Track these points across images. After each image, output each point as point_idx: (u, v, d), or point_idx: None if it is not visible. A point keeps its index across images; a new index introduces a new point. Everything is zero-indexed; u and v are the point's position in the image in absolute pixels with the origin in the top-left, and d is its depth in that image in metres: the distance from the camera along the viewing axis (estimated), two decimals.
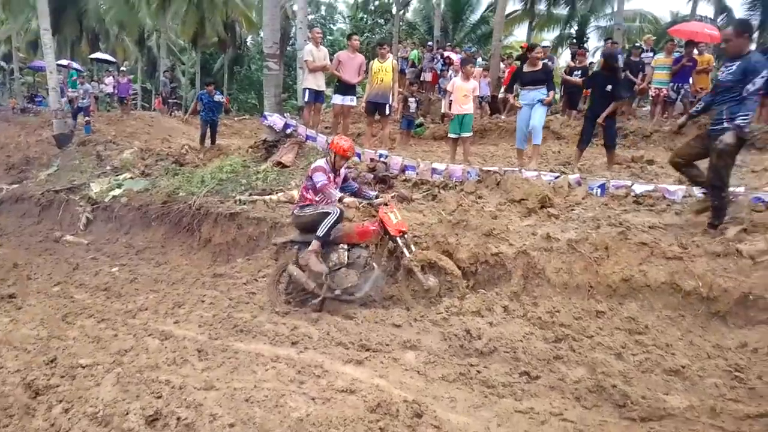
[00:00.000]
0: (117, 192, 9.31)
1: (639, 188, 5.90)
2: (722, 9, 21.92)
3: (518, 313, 4.69)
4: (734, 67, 4.64)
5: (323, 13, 32.67)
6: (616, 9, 18.50)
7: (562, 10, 25.10)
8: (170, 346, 4.33)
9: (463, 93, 7.79)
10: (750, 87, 4.53)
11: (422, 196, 7.04)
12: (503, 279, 5.24)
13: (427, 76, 16.70)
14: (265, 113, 8.75)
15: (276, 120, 8.57)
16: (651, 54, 12.12)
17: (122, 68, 20.84)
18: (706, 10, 22.23)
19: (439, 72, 15.61)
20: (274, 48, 8.68)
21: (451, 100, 7.96)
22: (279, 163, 8.19)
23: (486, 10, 27.08)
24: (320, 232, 5.02)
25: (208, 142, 11.99)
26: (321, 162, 5.30)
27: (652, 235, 5.01)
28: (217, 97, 11.84)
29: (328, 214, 5.04)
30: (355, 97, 9.25)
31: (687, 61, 10.73)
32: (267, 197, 7.36)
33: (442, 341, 4.35)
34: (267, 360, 4.03)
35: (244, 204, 7.39)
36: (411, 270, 5.06)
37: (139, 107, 26.24)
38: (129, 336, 4.59)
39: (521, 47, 17.30)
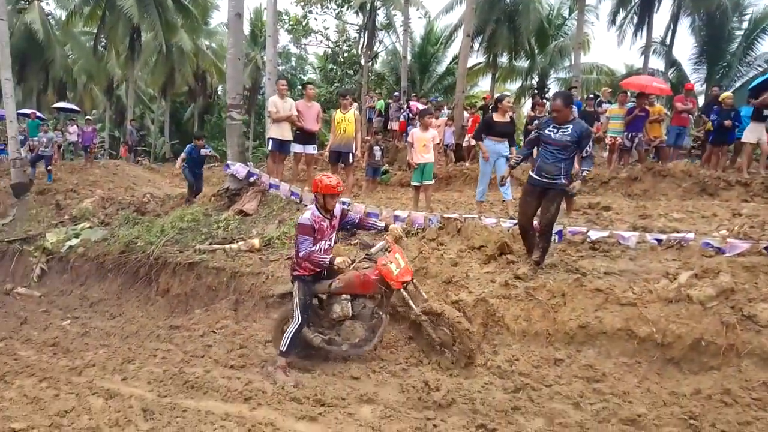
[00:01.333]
0: (74, 242, 9.03)
1: (594, 234, 6.01)
2: (672, 63, 23.20)
3: (478, 361, 4.65)
4: (569, 130, 5.18)
5: (294, 64, 33.33)
6: (573, 62, 19.46)
7: (523, 63, 26.17)
8: (115, 406, 4.11)
9: (423, 143, 7.93)
10: (588, 148, 5.27)
11: None
12: None
13: (395, 125, 17.08)
14: (228, 162, 8.73)
15: (239, 168, 8.55)
16: (608, 105, 12.66)
17: (89, 117, 20.72)
18: (658, 63, 23.50)
19: (406, 121, 15.96)
20: (237, 99, 8.75)
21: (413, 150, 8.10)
22: (241, 212, 8.12)
23: (451, 62, 28.06)
24: (282, 346, 4.68)
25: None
26: (306, 217, 4.67)
27: (607, 281, 5.07)
28: (204, 152, 11.14)
29: (293, 316, 4.71)
30: (315, 146, 9.35)
31: (639, 112, 11.18)
32: (227, 246, 7.24)
33: (400, 393, 4.25)
34: (216, 418, 3.86)
35: (204, 253, 7.25)
36: (420, 325, 4.77)
37: (106, 155, 25.96)
38: (71, 395, 4.35)
39: (483, 98, 17.88)
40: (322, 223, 4.70)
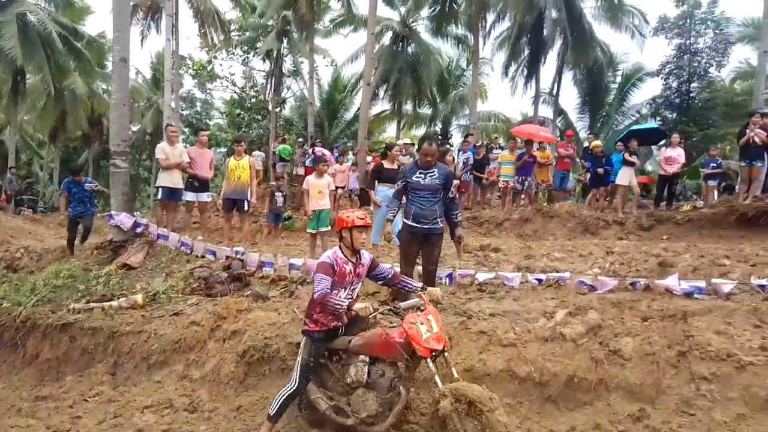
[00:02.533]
0: None
1: (481, 276, 6.22)
2: (559, 111, 25.24)
3: None
4: (436, 174, 5.30)
5: (198, 108, 32.65)
6: (470, 110, 20.63)
7: (427, 110, 27.40)
8: None
9: (318, 189, 7.95)
10: (454, 190, 5.47)
11: (279, 293, 6.84)
12: None
13: (300, 170, 17.05)
14: (112, 212, 8.22)
15: (123, 219, 8.06)
16: (500, 150, 13.46)
17: None
18: (547, 112, 25.47)
19: (313, 166, 15.97)
20: (122, 146, 8.34)
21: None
22: (125, 265, 7.61)
23: (358, 109, 28.76)
24: (272, 409, 4.15)
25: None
26: (326, 255, 4.11)
27: (491, 323, 5.21)
28: (88, 185, 9.96)
29: (292, 382, 4.13)
30: (209, 193, 9.09)
31: (528, 158, 11.99)
32: (107, 304, 6.70)
33: None
34: None
35: (79, 313, 6.66)
36: (445, 414, 3.63)
37: None
38: None
39: (385, 144, 18.37)
40: (344, 265, 4.09)
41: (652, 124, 18.63)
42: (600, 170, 11.60)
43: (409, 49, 24.53)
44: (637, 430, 3.91)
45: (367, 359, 4.00)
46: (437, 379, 3.77)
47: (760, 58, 16.06)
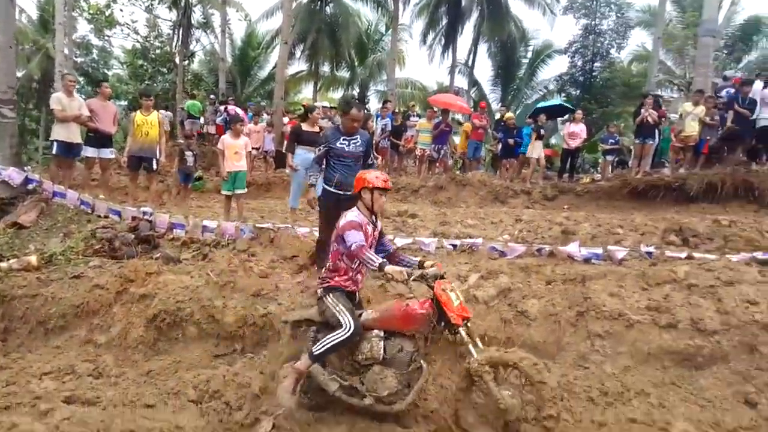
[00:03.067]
0: None
1: (400, 241, 6.35)
2: (474, 83, 25.91)
3: None
4: (359, 141, 5.28)
5: (95, 56, 29.87)
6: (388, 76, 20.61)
7: (345, 73, 26.99)
8: None
9: (234, 150, 7.66)
10: (373, 156, 5.56)
11: (191, 257, 6.58)
12: (272, 341, 5.07)
13: (211, 129, 16.27)
14: None
15: (12, 174, 7.31)
16: (417, 118, 13.61)
17: None
18: (462, 82, 26.02)
19: (225, 125, 15.30)
20: (9, 93, 7.49)
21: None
22: (15, 224, 6.94)
23: (273, 68, 27.73)
24: (317, 349, 3.73)
25: None
26: (354, 215, 3.89)
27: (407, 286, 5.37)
28: None
29: (339, 326, 3.73)
30: (113, 150, 8.46)
31: (444, 127, 12.24)
32: None
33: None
34: None
35: None
36: (481, 378, 3.49)
37: None
38: None
39: (302, 105, 17.95)
40: (367, 226, 3.90)
41: (557, 100, 19.67)
42: (511, 141, 12.13)
43: (328, 9, 23.88)
44: None
45: (382, 334, 3.77)
46: (471, 348, 3.59)
47: (654, 43, 17.41)
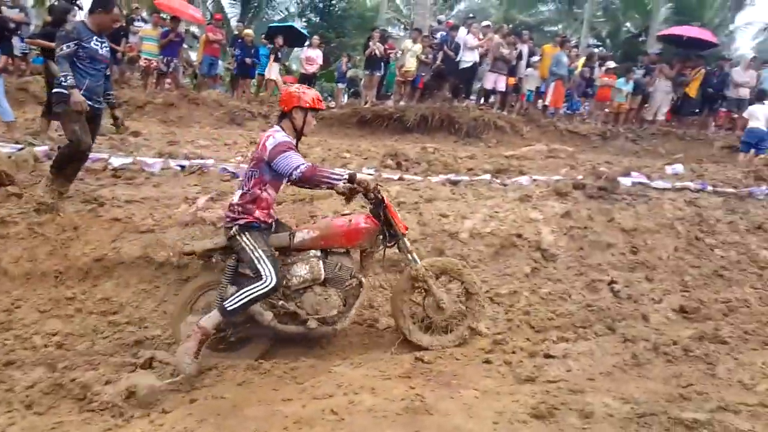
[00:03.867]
0: None
1: (117, 161, 5.67)
2: None
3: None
4: (106, 42, 4.75)
5: None
6: None
7: None
8: None
9: None
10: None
11: None
12: None
13: None
14: None
15: None
16: (142, 23, 11.99)
17: None
18: None
19: None
20: None
21: None
22: None
23: None
24: (230, 305, 3.31)
25: None
26: (282, 135, 3.51)
27: (128, 210, 4.89)
28: None
29: (260, 277, 3.34)
30: None
31: (174, 37, 11.10)
32: None
33: None
34: None
35: None
36: (425, 282, 3.71)
37: None
38: None
39: None
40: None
41: (292, 23, 19.55)
42: (249, 60, 11.71)
43: None
44: None
45: (319, 253, 3.63)
46: (414, 255, 3.76)
47: None
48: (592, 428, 2.60)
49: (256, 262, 3.40)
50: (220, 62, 13.13)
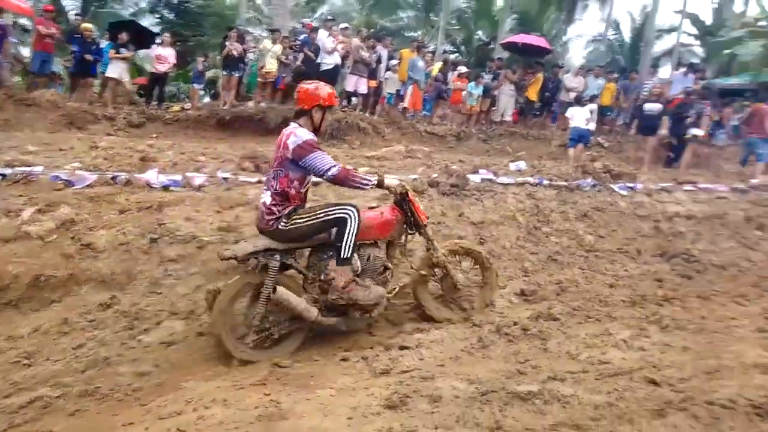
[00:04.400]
0: None
1: None
2: None
3: None
4: None
5: None
6: None
7: None
8: None
9: None
10: None
11: None
12: None
13: None
14: None
15: None
16: None
17: None
18: None
19: None
20: None
21: None
22: None
23: None
24: (345, 251, 3.58)
25: None
26: (305, 133, 3.59)
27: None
28: None
29: (344, 219, 3.59)
30: None
31: None
32: None
33: None
34: None
35: None
36: (445, 267, 4.20)
37: None
38: None
39: None
40: None
41: (142, 21, 18.27)
42: (88, 57, 10.65)
43: None
44: (106, 316, 4.02)
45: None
46: (436, 244, 4.15)
47: None
48: (441, 411, 2.71)
49: (326, 216, 3.63)
50: (55, 59, 11.81)
